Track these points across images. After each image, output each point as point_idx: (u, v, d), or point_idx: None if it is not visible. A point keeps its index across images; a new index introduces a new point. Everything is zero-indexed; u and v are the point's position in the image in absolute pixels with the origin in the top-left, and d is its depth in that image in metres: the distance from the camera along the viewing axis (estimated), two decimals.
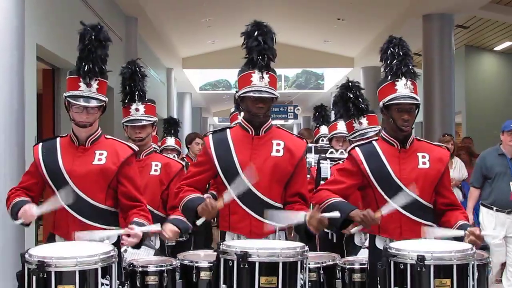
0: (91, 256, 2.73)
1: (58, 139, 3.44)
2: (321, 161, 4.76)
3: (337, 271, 3.55)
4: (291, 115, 20.14)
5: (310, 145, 5.76)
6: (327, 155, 4.92)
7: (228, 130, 3.41)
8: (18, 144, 5.36)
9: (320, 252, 4.12)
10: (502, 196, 6.00)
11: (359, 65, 17.86)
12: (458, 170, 8.05)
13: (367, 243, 3.54)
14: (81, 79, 3.29)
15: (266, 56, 3.30)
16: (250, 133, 3.35)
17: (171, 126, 6.94)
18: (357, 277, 3.53)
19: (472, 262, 2.87)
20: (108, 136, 3.48)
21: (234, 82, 18.41)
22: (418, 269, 2.80)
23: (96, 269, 2.72)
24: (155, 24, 13.22)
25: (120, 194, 3.36)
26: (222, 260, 2.88)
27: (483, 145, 8.48)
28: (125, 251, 3.57)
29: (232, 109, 5.34)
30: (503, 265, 6.18)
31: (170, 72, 18.62)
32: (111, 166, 3.32)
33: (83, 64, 3.30)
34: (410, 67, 3.38)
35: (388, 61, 3.41)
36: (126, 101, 4.18)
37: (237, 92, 3.38)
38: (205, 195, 3.45)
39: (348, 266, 3.56)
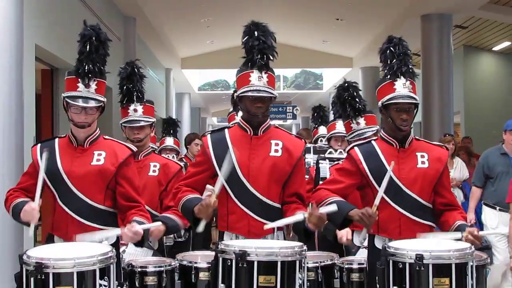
0: (89, 257, 2.73)
1: (56, 140, 3.43)
2: (320, 161, 4.75)
3: (335, 271, 3.56)
4: (290, 115, 20.17)
5: (309, 145, 5.76)
6: (326, 155, 4.91)
7: (226, 130, 3.41)
8: (17, 144, 5.35)
9: (319, 251, 4.12)
10: (505, 196, 5.98)
11: (358, 65, 17.86)
12: (459, 170, 7.96)
13: (365, 243, 3.54)
14: (79, 79, 3.29)
15: (265, 56, 3.30)
16: (249, 133, 3.35)
17: (170, 126, 6.96)
18: (355, 276, 3.54)
19: (471, 262, 2.86)
20: (107, 137, 3.47)
21: (233, 82, 18.39)
22: (417, 268, 2.80)
23: (94, 270, 2.72)
24: (154, 24, 13.21)
25: (118, 194, 3.36)
26: (220, 259, 2.88)
27: (482, 145, 8.48)
28: (124, 251, 3.56)
29: (231, 109, 5.32)
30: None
31: (169, 72, 18.61)
32: (109, 167, 3.31)
33: (83, 64, 3.29)
34: (410, 67, 3.38)
35: (388, 61, 3.40)
36: (124, 101, 4.17)
37: (235, 92, 3.37)
38: (204, 194, 3.45)
39: (346, 266, 3.56)
